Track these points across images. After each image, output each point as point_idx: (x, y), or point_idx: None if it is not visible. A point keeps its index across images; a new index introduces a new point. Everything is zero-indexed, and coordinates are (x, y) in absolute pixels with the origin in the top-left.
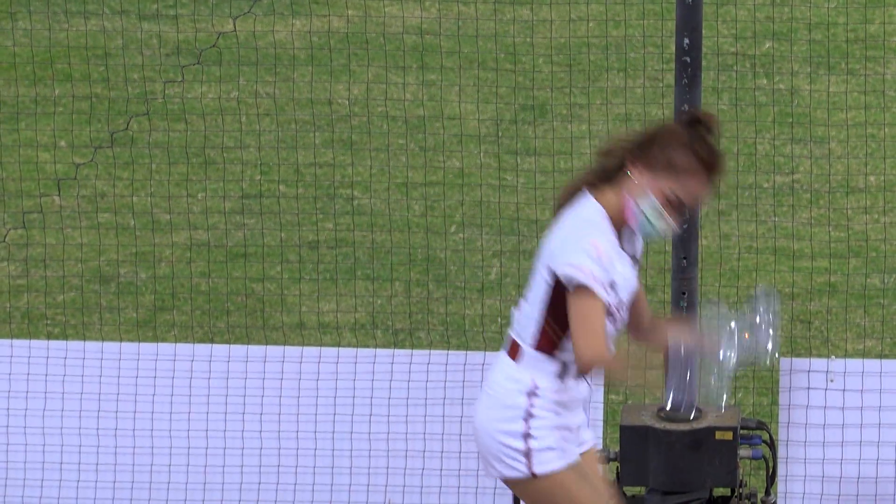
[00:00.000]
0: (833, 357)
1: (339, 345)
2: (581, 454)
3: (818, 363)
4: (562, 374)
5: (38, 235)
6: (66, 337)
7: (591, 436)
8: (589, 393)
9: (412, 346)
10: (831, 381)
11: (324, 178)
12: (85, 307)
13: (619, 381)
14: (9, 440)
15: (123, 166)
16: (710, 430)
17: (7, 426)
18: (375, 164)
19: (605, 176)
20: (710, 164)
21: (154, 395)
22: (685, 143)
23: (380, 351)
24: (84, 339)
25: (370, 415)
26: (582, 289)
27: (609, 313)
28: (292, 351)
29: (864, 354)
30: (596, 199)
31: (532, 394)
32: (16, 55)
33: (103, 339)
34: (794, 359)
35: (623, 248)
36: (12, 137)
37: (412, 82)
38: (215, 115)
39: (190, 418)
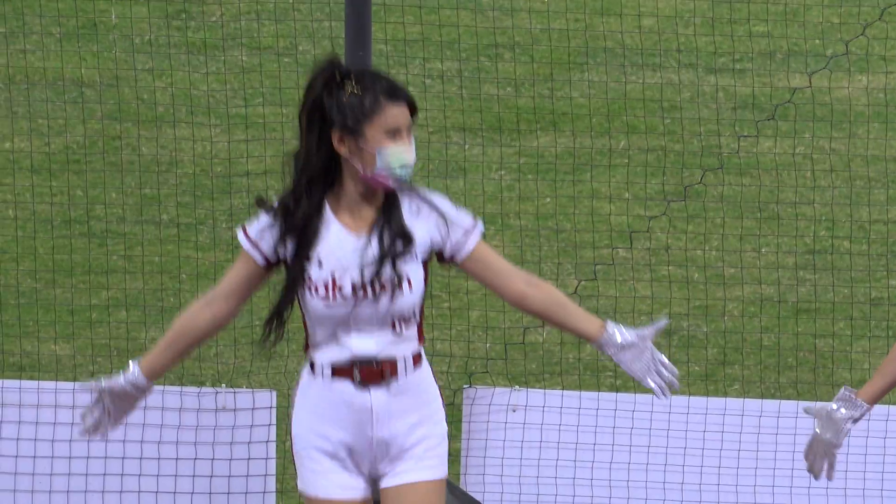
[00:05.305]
0: None
1: None
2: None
3: None
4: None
5: (605, 287)
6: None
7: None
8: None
9: None
10: None
11: (891, 234)
12: None
13: None
14: None
15: (688, 219)
16: None
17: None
18: None
19: None
20: None
21: (721, 449)
22: None
23: None
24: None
25: None
26: None
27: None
28: None
29: None
30: None
31: None
32: (584, 106)
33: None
34: None
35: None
36: (578, 188)
37: None
38: (781, 169)
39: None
